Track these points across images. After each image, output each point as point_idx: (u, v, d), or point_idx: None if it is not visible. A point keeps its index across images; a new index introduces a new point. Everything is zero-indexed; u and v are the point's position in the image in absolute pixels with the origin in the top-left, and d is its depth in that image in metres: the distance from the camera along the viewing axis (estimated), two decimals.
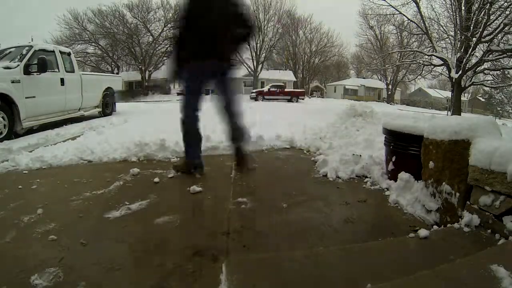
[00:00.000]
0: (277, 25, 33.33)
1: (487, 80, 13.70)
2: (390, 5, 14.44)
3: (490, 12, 10.27)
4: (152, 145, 3.27)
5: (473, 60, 11.51)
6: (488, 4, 10.13)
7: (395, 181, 2.12)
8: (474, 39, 11.00)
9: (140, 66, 31.39)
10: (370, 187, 2.34)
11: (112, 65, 31.75)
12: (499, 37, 10.71)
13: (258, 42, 32.73)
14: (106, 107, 7.34)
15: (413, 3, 13.50)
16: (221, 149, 3.38)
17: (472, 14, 11.20)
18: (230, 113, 2.42)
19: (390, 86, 36.32)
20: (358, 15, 26.09)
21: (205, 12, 2.24)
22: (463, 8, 11.96)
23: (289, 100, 22.53)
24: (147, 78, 31.63)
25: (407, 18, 14.75)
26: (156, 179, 2.38)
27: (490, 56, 11.19)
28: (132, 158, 3.03)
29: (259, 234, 1.63)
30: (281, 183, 2.48)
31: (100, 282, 1.22)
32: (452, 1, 12.58)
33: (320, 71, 41.74)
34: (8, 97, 4.19)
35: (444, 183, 1.67)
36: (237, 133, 2.44)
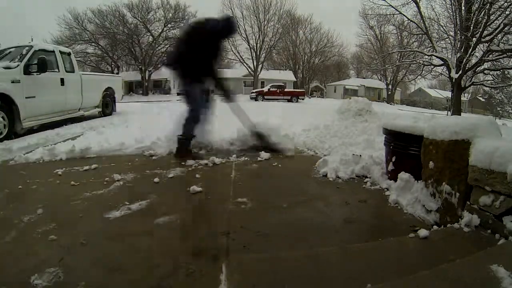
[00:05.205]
0: (277, 25, 33.34)
1: (487, 80, 13.70)
2: (390, 5, 14.45)
3: (490, 12, 10.27)
4: (152, 144, 3.28)
5: (473, 60, 11.51)
6: (488, 4, 10.14)
7: (395, 181, 2.12)
8: (474, 39, 11.01)
9: (140, 66, 31.38)
10: (370, 187, 2.34)
11: (112, 65, 31.73)
12: (499, 37, 10.71)
13: (258, 42, 32.75)
14: (106, 107, 7.33)
15: (413, 3, 13.52)
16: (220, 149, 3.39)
17: (472, 14, 11.20)
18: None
19: (390, 86, 36.29)
20: (358, 15, 26.10)
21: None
22: (463, 8, 11.95)
23: (289, 100, 22.52)
24: (147, 78, 31.63)
25: (407, 18, 14.76)
26: (156, 179, 2.38)
27: (490, 56, 11.19)
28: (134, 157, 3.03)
29: (259, 234, 1.63)
30: (281, 183, 2.48)
31: (100, 282, 1.22)
32: (452, 1, 12.58)
33: (320, 71, 41.74)
34: (8, 97, 4.19)
35: (444, 183, 1.67)
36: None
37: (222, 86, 3.22)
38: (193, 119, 3.08)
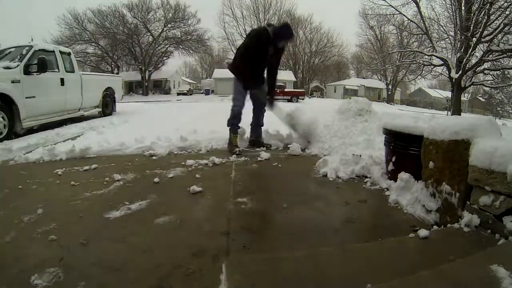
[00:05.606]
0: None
1: (487, 80, 13.72)
2: (390, 5, 14.48)
3: (490, 12, 10.28)
4: (152, 144, 3.28)
5: (473, 60, 11.52)
6: (488, 4, 10.15)
7: (395, 181, 2.12)
8: (474, 39, 11.01)
9: (140, 66, 31.40)
10: (370, 187, 2.34)
11: (112, 65, 31.76)
12: (499, 37, 10.72)
13: None
14: (106, 107, 7.34)
15: (413, 3, 13.53)
16: (220, 149, 3.39)
17: (472, 14, 11.21)
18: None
19: (390, 86, 36.31)
20: (358, 15, 26.13)
21: None
22: (463, 8, 11.97)
23: (289, 100, 22.52)
24: (147, 78, 31.64)
25: (407, 18, 14.79)
26: (156, 179, 2.38)
27: (490, 56, 11.20)
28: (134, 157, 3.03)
29: (259, 234, 1.63)
30: (281, 183, 2.48)
31: (100, 282, 1.22)
32: (452, 1, 12.59)
33: (320, 71, 41.79)
34: (8, 97, 4.19)
35: (444, 183, 1.67)
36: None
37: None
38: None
